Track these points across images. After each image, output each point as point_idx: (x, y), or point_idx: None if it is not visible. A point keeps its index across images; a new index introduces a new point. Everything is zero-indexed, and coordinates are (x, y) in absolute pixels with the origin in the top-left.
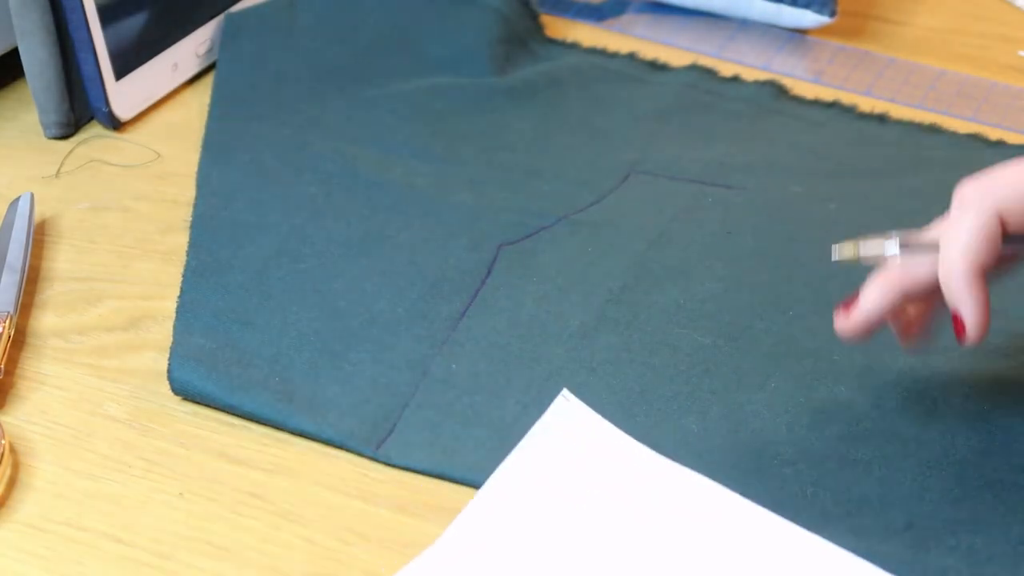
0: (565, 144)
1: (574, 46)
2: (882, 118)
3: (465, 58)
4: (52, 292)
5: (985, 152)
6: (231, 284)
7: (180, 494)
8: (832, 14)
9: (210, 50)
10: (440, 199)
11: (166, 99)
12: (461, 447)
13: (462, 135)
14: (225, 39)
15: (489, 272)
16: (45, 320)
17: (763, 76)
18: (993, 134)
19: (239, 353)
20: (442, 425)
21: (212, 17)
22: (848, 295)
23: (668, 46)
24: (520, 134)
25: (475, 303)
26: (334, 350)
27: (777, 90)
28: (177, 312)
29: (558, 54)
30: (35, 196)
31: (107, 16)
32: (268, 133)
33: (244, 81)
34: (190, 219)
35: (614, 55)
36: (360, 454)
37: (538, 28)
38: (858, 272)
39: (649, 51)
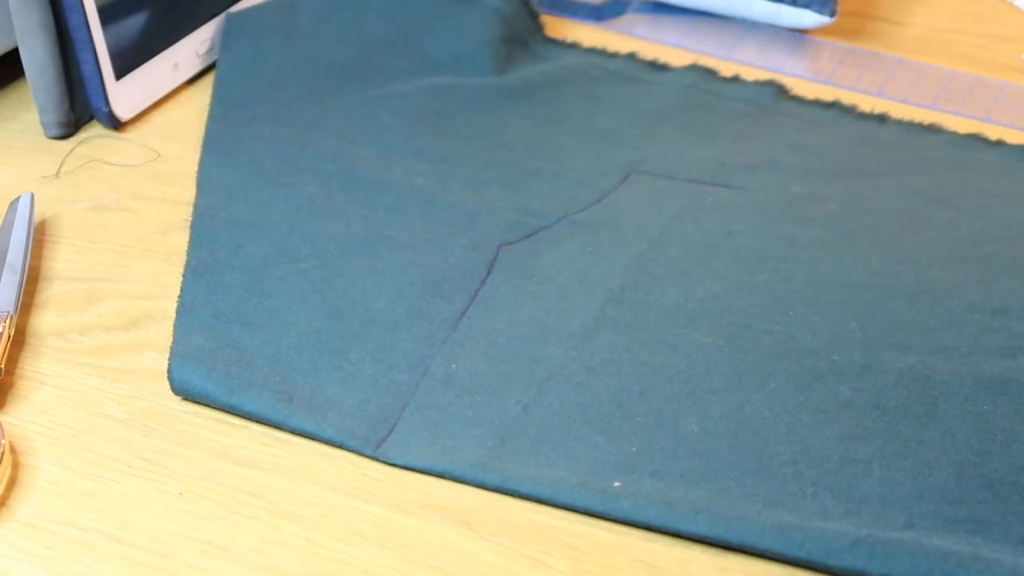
0: (565, 144)
1: (574, 46)
2: (882, 118)
3: (466, 58)
4: (52, 292)
5: (986, 152)
6: (231, 284)
7: (180, 494)
8: (832, 14)
9: (210, 50)
10: (440, 199)
11: (166, 99)
12: (461, 447)
13: (462, 135)
14: (225, 39)
15: (489, 272)
16: (45, 320)
17: (763, 76)
18: (993, 134)
19: (239, 353)
20: (442, 425)
21: (212, 17)
22: None
23: (668, 46)
24: (520, 134)
25: (475, 303)
26: (334, 350)
27: (777, 90)
28: (177, 312)
29: (558, 54)
30: (35, 196)
31: (107, 16)
32: (268, 133)
33: (244, 81)
34: (190, 219)
35: (614, 55)
36: (360, 454)
37: (538, 28)
38: (855, 272)
39: (649, 51)
